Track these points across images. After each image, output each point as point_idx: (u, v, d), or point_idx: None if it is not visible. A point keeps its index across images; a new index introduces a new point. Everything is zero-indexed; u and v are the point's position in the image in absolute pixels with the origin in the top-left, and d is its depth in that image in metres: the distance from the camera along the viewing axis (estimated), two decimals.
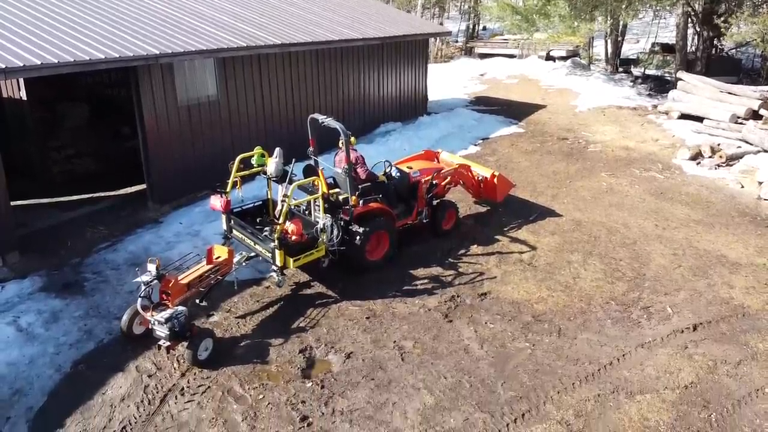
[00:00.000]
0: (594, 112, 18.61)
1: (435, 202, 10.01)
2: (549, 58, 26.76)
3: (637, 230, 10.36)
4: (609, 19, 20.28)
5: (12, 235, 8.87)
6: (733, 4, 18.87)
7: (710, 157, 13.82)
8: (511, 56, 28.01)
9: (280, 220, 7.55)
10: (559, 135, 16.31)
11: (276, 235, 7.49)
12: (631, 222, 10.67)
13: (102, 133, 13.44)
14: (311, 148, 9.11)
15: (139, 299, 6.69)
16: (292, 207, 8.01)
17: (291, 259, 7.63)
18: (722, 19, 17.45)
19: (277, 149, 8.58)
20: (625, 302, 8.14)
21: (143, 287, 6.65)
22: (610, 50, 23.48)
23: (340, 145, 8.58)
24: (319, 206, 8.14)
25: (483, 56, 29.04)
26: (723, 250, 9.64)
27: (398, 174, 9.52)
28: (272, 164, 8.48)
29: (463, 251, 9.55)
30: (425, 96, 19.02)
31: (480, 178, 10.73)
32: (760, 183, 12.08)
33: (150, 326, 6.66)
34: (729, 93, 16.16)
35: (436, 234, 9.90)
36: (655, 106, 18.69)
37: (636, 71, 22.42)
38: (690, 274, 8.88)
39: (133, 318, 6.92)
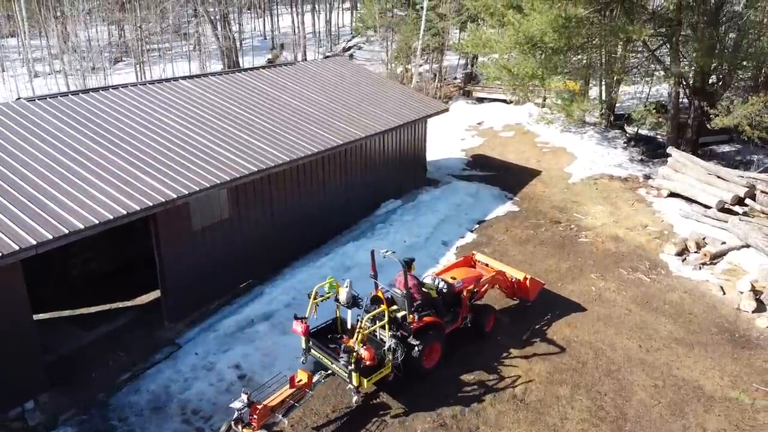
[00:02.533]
0: (587, 184, 19.27)
1: (475, 303, 11.34)
2: (545, 105, 27.35)
3: (621, 353, 11.10)
4: (603, 99, 20.98)
5: (42, 375, 9.61)
6: (722, 75, 19.48)
7: (696, 252, 14.54)
8: (509, 102, 28.59)
9: (355, 348, 8.95)
10: (553, 216, 17.00)
11: (352, 361, 8.84)
12: (617, 342, 11.41)
13: (118, 230, 14.08)
14: (372, 273, 10.58)
15: (234, 417, 8.45)
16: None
17: (365, 380, 9.07)
18: (711, 104, 18.13)
19: (348, 280, 9.96)
20: None
21: (237, 412, 8.39)
22: (605, 106, 24.07)
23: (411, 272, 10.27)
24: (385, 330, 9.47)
25: (480, 100, 29.64)
26: (700, 380, 10.39)
27: (445, 287, 10.78)
28: (344, 293, 9.83)
29: (464, 377, 10.30)
30: (424, 167, 19.72)
31: (514, 280, 12.00)
32: (741, 292, 12.81)
33: None
34: (717, 176, 16.85)
35: (479, 335, 11.27)
36: (646, 177, 19.36)
37: (629, 129, 23.02)
38: (668, 413, 9.63)
39: (228, 430, 8.58)
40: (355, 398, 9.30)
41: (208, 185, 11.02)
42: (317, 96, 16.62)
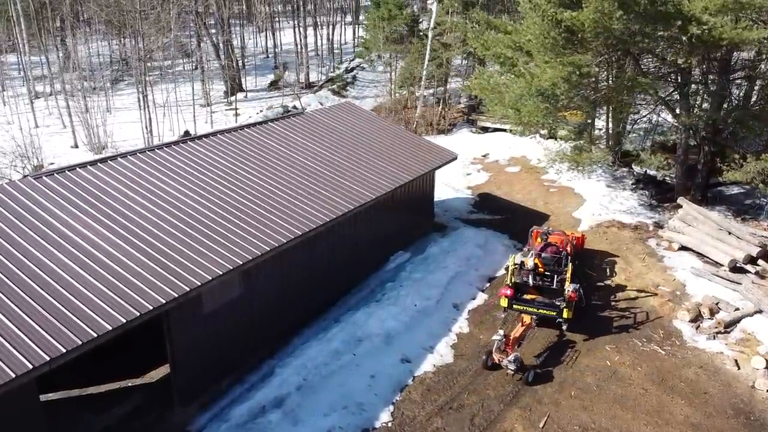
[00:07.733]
0: (596, 233, 19.09)
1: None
2: (551, 136, 27.14)
3: None
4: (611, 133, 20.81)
5: None
6: (732, 129, 19.25)
7: (709, 318, 14.43)
8: (513, 133, 28.36)
9: (567, 291, 13.21)
10: None
11: (566, 299, 13.20)
12: (634, 429, 11.28)
13: None
14: (529, 247, 15.32)
15: (495, 346, 12.32)
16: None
17: (570, 312, 13.23)
18: (722, 157, 18.00)
19: (533, 252, 14.51)
20: None
21: (497, 342, 12.30)
22: (612, 142, 23.89)
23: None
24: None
25: (485, 129, 29.43)
26: None
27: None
28: (530, 261, 14.13)
29: None
30: (432, 212, 19.58)
31: (574, 237, 16.04)
32: (756, 369, 12.69)
33: (498, 361, 12.33)
34: (728, 232, 16.71)
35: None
36: (657, 225, 19.18)
37: (637, 169, 22.83)
38: None
39: (488, 356, 12.48)
40: (565, 327, 13.48)
41: (221, 272, 10.86)
42: (326, 152, 16.40)
